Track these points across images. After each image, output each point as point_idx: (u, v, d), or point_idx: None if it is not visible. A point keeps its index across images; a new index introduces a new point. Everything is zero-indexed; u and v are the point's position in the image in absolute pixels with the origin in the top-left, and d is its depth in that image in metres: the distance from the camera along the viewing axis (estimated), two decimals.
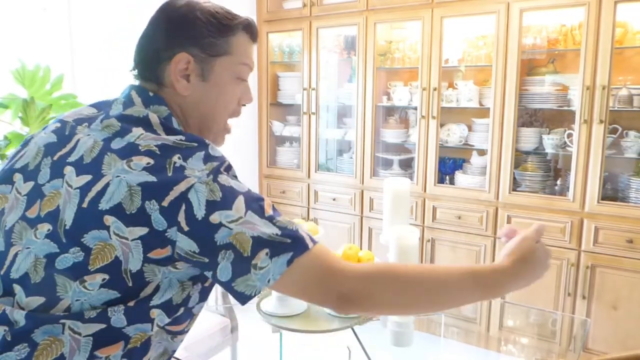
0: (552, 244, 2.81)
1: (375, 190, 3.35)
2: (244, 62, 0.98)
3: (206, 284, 0.91)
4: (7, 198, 0.90)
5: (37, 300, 0.81)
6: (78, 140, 0.89)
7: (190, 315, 0.92)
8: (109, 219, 0.79)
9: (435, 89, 3.06)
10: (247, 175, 3.83)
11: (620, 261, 2.64)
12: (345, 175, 3.53)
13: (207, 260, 0.80)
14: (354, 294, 0.83)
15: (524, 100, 2.92)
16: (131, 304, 0.81)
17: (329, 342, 2.00)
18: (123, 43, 2.91)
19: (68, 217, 0.82)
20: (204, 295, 0.91)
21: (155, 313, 0.83)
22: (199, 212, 0.78)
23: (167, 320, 0.86)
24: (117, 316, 0.81)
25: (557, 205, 2.80)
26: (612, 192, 2.85)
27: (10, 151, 2.08)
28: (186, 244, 0.79)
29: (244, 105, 1.04)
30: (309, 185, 3.66)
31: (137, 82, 0.97)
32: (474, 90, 3.11)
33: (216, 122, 1.00)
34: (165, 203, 0.78)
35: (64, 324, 0.79)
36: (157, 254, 0.80)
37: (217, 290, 2.48)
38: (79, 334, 0.79)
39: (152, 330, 0.84)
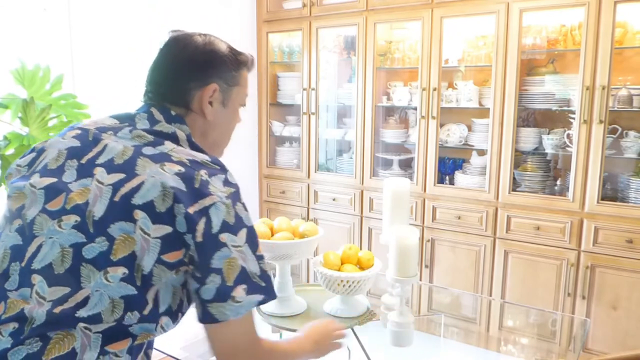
0: (552, 244, 2.82)
1: (375, 190, 3.35)
2: (246, 92, 1.15)
3: (189, 288, 0.97)
4: (24, 194, 0.95)
5: (62, 290, 0.86)
6: (106, 145, 0.96)
7: (181, 317, 1.00)
8: (139, 214, 0.87)
9: (435, 89, 3.06)
10: (247, 175, 3.83)
11: (619, 261, 2.64)
12: (345, 176, 3.53)
13: (199, 275, 0.88)
14: None
15: (523, 100, 2.92)
16: (146, 312, 0.88)
17: None
18: (123, 43, 2.91)
19: (98, 209, 0.88)
20: (189, 300, 0.97)
21: (163, 320, 0.91)
22: (215, 228, 0.88)
23: (173, 326, 0.94)
24: (132, 320, 0.87)
25: (557, 205, 2.80)
26: (611, 192, 2.85)
27: (9, 151, 2.07)
28: (193, 252, 0.88)
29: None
30: (308, 185, 3.66)
31: (151, 101, 1.06)
32: (474, 90, 3.11)
33: (227, 140, 1.17)
34: (190, 210, 0.87)
35: (77, 320, 0.84)
36: (172, 257, 0.88)
37: None
38: (90, 329, 0.85)
39: (155, 330, 0.91)
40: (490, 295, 3.01)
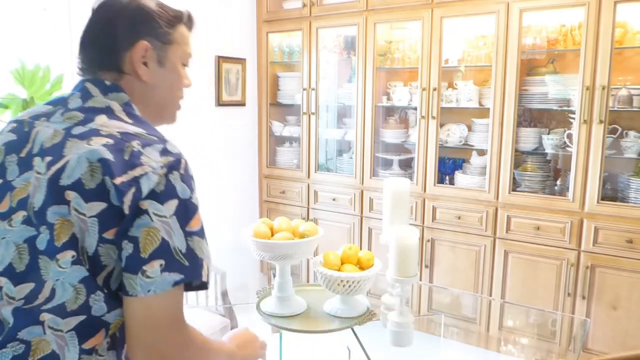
0: (552, 244, 2.81)
1: (375, 190, 3.35)
2: (187, 50, 1.07)
3: None
4: None
5: (28, 287, 0.84)
6: (38, 132, 0.92)
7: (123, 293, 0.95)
8: (70, 194, 0.83)
9: (435, 89, 3.06)
10: (247, 175, 3.83)
11: (619, 261, 2.64)
12: (345, 176, 3.54)
13: (116, 243, 0.84)
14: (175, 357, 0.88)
15: (523, 100, 2.92)
16: (106, 293, 0.85)
17: (329, 342, 2.00)
18: None
19: (37, 199, 0.85)
20: None
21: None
22: (141, 196, 0.83)
23: None
24: (98, 305, 0.85)
25: (557, 205, 2.80)
26: (611, 192, 2.85)
27: None
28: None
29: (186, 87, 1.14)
30: (308, 185, 3.66)
31: (87, 77, 1.01)
32: (474, 90, 3.11)
33: (173, 104, 1.10)
34: (118, 181, 0.82)
35: (43, 322, 0.83)
36: (111, 234, 0.84)
37: (216, 291, 2.48)
38: (60, 330, 0.83)
39: None
40: (490, 295, 3.01)
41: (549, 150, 2.94)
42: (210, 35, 3.43)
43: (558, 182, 3.02)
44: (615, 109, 2.70)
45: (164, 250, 0.83)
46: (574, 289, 2.77)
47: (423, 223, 3.20)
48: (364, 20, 3.26)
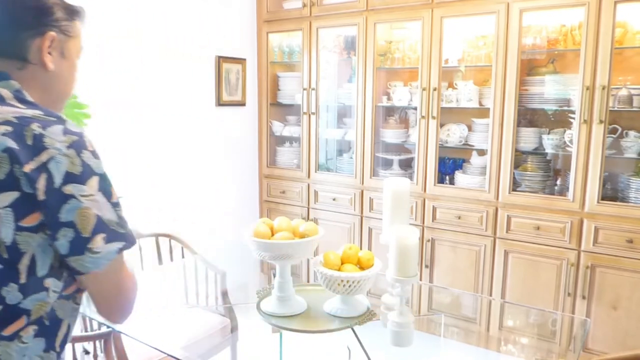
0: (552, 244, 2.82)
1: (375, 190, 3.35)
2: (81, 44, 1.10)
3: None
4: None
5: None
6: None
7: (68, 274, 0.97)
8: None
9: (435, 89, 3.06)
10: (247, 175, 3.83)
11: (620, 261, 2.64)
12: (345, 175, 3.54)
13: (49, 232, 0.86)
14: (127, 313, 1.01)
15: (524, 100, 2.92)
16: (23, 280, 0.86)
17: (329, 342, 2.00)
18: (123, 43, 2.91)
19: None
20: None
21: (49, 282, 0.90)
22: (57, 182, 0.84)
23: (61, 285, 0.92)
24: (12, 294, 0.86)
25: (557, 205, 2.80)
26: (612, 192, 2.85)
27: None
28: (43, 210, 0.85)
29: None
30: (308, 185, 3.66)
31: None
32: (474, 90, 3.11)
33: (68, 95, 1.11)
34: (27, 169, 0.83)
35: None
36: (30, 220, 0.85)
37: (216, 291, 2.48)
38: None
39: (49, 297, 0.90)
40: (491, 295, 3.01)
41: (549, 150, 2.94)
42: (210, 35, 3.43)
43: (558, 182, 3.02)
44: (616, 108, 2.70)
45: (101, 225, 0.88)
46: (574, 289, 2.78)
47: (423, 223, 3.20)
48: (364, 20, 3.27)
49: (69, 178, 0.85)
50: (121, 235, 0.91)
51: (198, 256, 2.54)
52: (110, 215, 0.90)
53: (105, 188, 0.90)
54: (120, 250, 0.91)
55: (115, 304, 0.98)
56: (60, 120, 0.90)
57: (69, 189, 0.85)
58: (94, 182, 0.88)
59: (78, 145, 0.88)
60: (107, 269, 0.90)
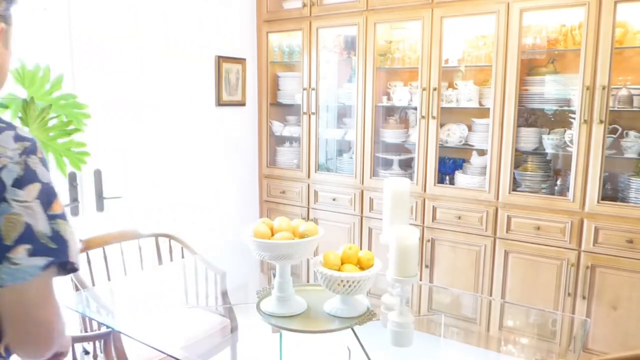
0: (552, 244, 2.81)
1: (375, 190, 3.35)
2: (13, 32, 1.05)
3: None
4: None
5: None
6: None
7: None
8: None
9: (435, 89, 3.06)
10: (247, 175, 3.83)
11: (620, 261, 2.64)
12: (345, 175, 3.54)
13: None
14: (46, 350, 0.87)
15: (524, 100, 2.92)
16: None
17: (329, 342, 2.00)
18: (123, 43, 2.91)
19: None
20: None
21: None
22: (5, 190, 0.79)
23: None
24: None
25: (557, 205, 2.80)
26: (612, 192, 2.85)
27: None
28: None
29: None
30: (308, 185, 3.66)
31: None
32: (474, 90, 3.11)
33: (2, 86, 1.05)
34: None
35: None
36: None
37: (216, 291, 2.48)
38: None
39: None
40: (491, 295, 3.01)
41: (549, 150, 2.94)
42: (210, 35, 3.43)
43: (558, 182, 3.02)
44: (616, 108, 2.70)
45: (29, 235, 0.80)
46: (574, 289, 2.77)
47: (423, 223, 3.20)
48: (364, 20, 3.26)
49: (15, 184, 0.80)
50: (51, 251, 0.81)
51: (198, 256, 2.53)
52: (44, 227, 0.81)
53: (47, 198, 0.83)
54: (47, 266, 0.81)
55: (32, 333, 0.84)
56: (10, 126, 0.85)
57: (5, 193, 0.79)
58: (33, 189, 0.81)
59: (29, 150, 0.83)
60: (26, 286, 0.80)
